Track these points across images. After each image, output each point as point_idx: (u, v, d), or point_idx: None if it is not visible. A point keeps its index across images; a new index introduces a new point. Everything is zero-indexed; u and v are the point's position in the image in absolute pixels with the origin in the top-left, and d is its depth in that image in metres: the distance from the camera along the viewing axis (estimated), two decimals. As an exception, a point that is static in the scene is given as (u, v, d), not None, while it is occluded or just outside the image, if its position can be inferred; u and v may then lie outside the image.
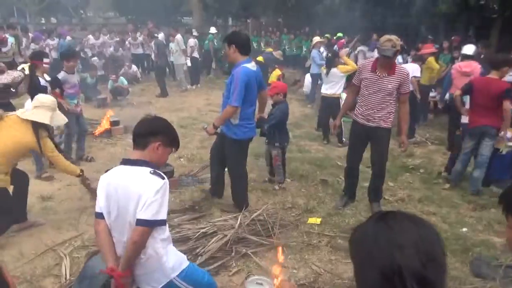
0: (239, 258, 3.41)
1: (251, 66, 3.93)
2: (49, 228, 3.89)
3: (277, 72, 11.97)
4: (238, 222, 3.73)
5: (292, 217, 4.20)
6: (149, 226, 1.99)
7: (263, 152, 5.37)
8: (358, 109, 4.19)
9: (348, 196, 4.55)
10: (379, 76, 3.96)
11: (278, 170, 5.00)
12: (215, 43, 14.81)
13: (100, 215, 2.11)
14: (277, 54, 11.32)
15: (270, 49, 11.40)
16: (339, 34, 12.89)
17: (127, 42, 13.30)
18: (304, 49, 14.68)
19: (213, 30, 15.12)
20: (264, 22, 22.00)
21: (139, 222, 1.97)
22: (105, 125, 7.09)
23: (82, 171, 3.86)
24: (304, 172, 5.50)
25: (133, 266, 2.10)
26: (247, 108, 3.96)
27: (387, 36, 3.89)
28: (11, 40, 10.35)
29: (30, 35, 12.52)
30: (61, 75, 5.40)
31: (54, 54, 11.94)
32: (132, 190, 2.01)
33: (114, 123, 7.21)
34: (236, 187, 4.31)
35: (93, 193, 3.55)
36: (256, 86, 4.00)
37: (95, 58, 11.82)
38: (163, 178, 2.05)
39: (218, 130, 4.21)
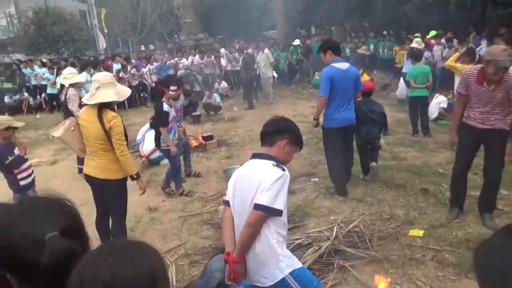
0: (336, 271, 3.32)
1: (340, 65, 4.58)
2: (156, 237, 4.21)
3: (364, 78, 11.62)
4: (334, 234, 3.65)
5: (391, 229, 3.97)
6: (263, 211, 2.05)
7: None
8: (470, 111, 3.84)
9: (458, 207, 4.16)
10: (485, 89, 3.60)
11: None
12: (299, 53, 14.93)
13: (227, 203, 2.31)
14: (362, 50, 11.02)
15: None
16: (433, 32, 12.06)
17: (211, 59, 14.11)
18: (395, 50, 13.97)
19: (297, 42, 15.29)
20: (348, 27, 21.52)
21: (255, 206, 2.07)
22: (199, 140, 7.52)
23: (138, 174, 3.66)
24: (401, 180, 5.18)
25: (248, 257, 2.16)
26: (333, 100, 4.59)
27: (500, 46, 3.53)
28: (116, 67, 11.86)
29: (133, 61, 14.05)
30: (166, 107, 4.96)
31: (154, 78, 13.16)
32: (254, 178, 2.13)
33: (208, 138, 7.62)
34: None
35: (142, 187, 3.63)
36: (346, 83, 4.56)
37: (197, 75, 12.66)
38: (284, 170, 2.13)
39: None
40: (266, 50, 11.62)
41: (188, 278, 3.36)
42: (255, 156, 2.31)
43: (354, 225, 3.81)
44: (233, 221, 2.25)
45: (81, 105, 5.57)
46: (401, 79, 9.82)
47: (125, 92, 3.61)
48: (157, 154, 6.42)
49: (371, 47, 15.19)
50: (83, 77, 6.09)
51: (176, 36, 32.86)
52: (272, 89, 12.08)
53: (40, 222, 0.97)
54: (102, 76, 3.55)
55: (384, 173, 5.50)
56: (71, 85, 5.86)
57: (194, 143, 7.36)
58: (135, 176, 3.55)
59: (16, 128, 4.06)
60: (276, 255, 2.14)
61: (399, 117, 8.74)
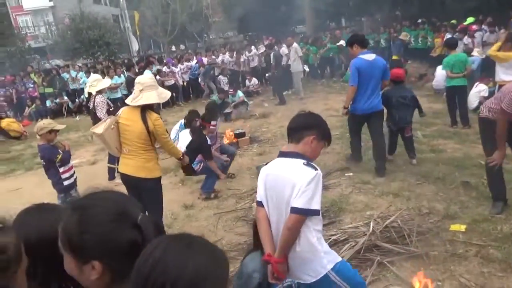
0: (374, 267, 3.25)
1: (367, 57, 4.97)
2: (193, 233, 4.28)
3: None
4: (371, 229, 3.57)
5: (430, 224, 3.84)
6: (302, 214, 2.03)
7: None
8: None
9: (502, 201, 3.97)
10: None
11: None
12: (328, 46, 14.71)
13: (260, 203, 2.27)
14: (403, 36, 10.84)
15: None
16: (470, 19, 11.54)
17: (244, 57, 14.12)
18: (429, 39, 13.46)
19: (341, 43, 14.80)
20: (380, 18, 20.97)
21: (293, 210, 2.04)
22: (228, 138, 7.56)
23: (183, 155, 4.04)
24: (440, 174, 5.00)
25: (290, 256, 2.15)
26: (360, 88, 4.96)
27: None
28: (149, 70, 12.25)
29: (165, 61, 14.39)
30: (209, 141, 5.20)
31: (185, 77, 13.41)
32: (287, 179, 2.10)
33: (240, 135, 7.66)
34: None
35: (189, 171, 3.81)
36: (375, 72, 4.93)
37: (220, 76, 12.75)
38: (316, 169, 2.10)
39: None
40: (295, 44, 11.53)
41: (225, 274, 3.39)
42: (283, 154, 2.25)
43: (391, 220, 3.72)
44: (268, 221, 2.22)
45: (109, 111, 5.73)
46: (437, 69, 9.46)
47: (165, 94, 3.78)
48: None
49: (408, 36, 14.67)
50: (107, 82, 6.10)
51: (206, 35, 33.21)
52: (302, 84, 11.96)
53: (128, 205, 1.04)
54: (145, 79, 3.73)
55: (421, 166, 5.33)
56: (98, 92, 5.83)
57: (225, 140, 7.44)
58: (181, 157, 3.98)
59: (57, 130, 4.25)
60: (317, 252, 2.13)
61: (436, 108, 8.44)
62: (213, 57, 14.09)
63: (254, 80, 13.05)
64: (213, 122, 5.21)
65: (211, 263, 0.90)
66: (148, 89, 3.52)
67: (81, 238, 0.99)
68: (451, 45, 7.42)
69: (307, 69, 12.43)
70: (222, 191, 5.35)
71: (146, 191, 3.66)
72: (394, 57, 11.43)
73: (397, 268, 3.22)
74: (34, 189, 5.94)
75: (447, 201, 4.29)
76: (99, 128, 3.59)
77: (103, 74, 12.03)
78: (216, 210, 4.84)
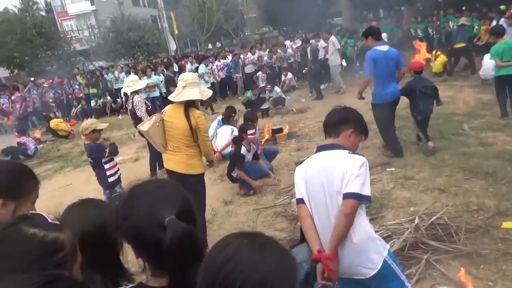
0: (420, 265, 3.14)
1: (382, 48, 5.30)
2: (233, 229, 4.31)
3: (442, 59, 10.86)
4: (415, 226, 3.45)
5: (480, 221, 3.65)
6: (357, 198, 1.99)
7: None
8: None
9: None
10: None
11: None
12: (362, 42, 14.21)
13: (301, 201, 2.21)
14: (463, 20, 10.49)
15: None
16: (503, 7, 10.84)
17: (280, 52, 14.03)
18: (476, 27, 12.76)
19: (384, 35, 14.32)
20: (421, 6, 20.13)
21: (348, 195, 1.98)
22: (266, 134, 7.57)
23: (212, 161, 4.24)
24: (490, 168, 4.73)
25: (344, 250, 2.08)
26: (378, 78, 5.27)
27: None
28: (188, 66, 12.48)
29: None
30: (243, 150, 5.23)
31: (221, 74, 13.54)
32: (335, 169, 2.05)
33: (278, 131, 7.63)
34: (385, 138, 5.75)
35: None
36: (390, 62, 5.26)
37: (260, 72, 12.76)
38: (363, 156, 2.07)
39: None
40: (332, 37, 11.32)
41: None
42: (322, 148, 2.21)
43: (437, 217, 3.57)
44: (311, 217, 2.16)
45: (148, 110, 5.87)
46: (484, 57, 8.96)
47: (207, 92, 3.87)
48: (230, 149, 6.59)
49: (451, 24, 13.97)
50: (143, 83, 6.16)
51: (241, 32, 33.37)
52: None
53: (159, 205, 1.06)
54: (188, 76, 3.85)
55: (469, 160, 5.08)
56: (135, 92, 5.90)
57: (265, 135, 7.46)
58: (212, 160, 4.17)
59: (101, 129, 4.41)
60: (373, 239, 2.10)
61: (484, 99, 8.00)
62: (252, 57, 14.00)
63: (290, 75, 12.95)
64: (249, 131, 5.25)
65: (282, 266, 0.90)
66: (191, 86, 3.60)
67: (120, 228, 1.09)
68: (497, 32, 7.00)
69: (344, 64, 12.15)
70: (260, 187, 5.37)
71: (190, 187, 3.68)
72: (460, 45, 10.78)
73: (444, 267, 3.09)
74: (82, 185, 6.23)
75: (498, 197, 4.05)
76: (145, 125, 3.71)
77: (143, 74, 12.42)
78: (255, 206, 4.86)
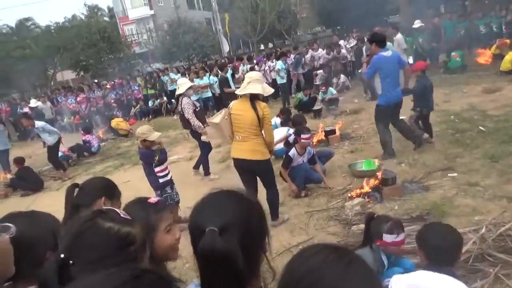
0: (486, 279, 2.91)
1: (386, 53, 5.61)
2: (284, 231, 4.31)
3: (511, 57, 10.15)
4: (481, 237, 3.21)
5: (557, 234, 3.32)
6: None
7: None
8: None
9: None
10: None
11: (412, 127, 6.10)
12: (420, 40, 13.41)
13: None
14: None
15: None
16: None
17: (334, 53, 13.73)
18: None
19: (417, 23, 13.22)
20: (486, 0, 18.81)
21: None
22: (320, 135, 7.46)
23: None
24: None
25: None
26: (384, 80, 5.58)
27: None
28: (242, 68, 12.64)
29: (254, 61, 14.69)
30: (292, 153, 5.22)
31: (273, 75, 13.52)
32: None
33: (330, 132, 7.49)
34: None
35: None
36: (394, 66, 5.61)
37: (321, 71, 12.58)
38: None
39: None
40: (398, 35, 10.81)
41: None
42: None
43: (507, 228, 3.29)
44: None
45: (195, 111, 6.02)
46: None
47: (269, 89, 4.20)
48: (281, 146, 6.57)
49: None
50: (185, 86, 6.16)
51: (293, 32, 33.22)
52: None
53: (210, 213, 1.07)
54: (253, 74, 4.31)
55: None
56: (182, 95, 6.02)
57: (317, 137, 7.35)
58: (272, 150, 4.38)
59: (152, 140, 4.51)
60: None
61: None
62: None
63: (342, 77, 12.62)
64: (303, 136, 5.18)
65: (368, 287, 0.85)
66: (254, 82, 4.03)
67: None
68: None
69: (411, 61, 11.53)
70: (312, 189, 5.29)
71: (260, 173, 4.27)
72: None
73: (515, 283, 2.85)
74: (139, 182, 6.49)
75: None
76: (216, 118, 4.14)
77: (196, 75, 12.76)
78: (307, 208, 4.79)
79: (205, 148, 6.48)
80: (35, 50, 25.21)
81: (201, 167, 6.65)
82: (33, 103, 14.45)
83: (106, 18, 40.29)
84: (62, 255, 1.04)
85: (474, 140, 5.86)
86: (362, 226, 4.00)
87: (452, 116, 7.36)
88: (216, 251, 0.98)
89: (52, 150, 8.43)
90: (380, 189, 4.66)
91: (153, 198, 1.57)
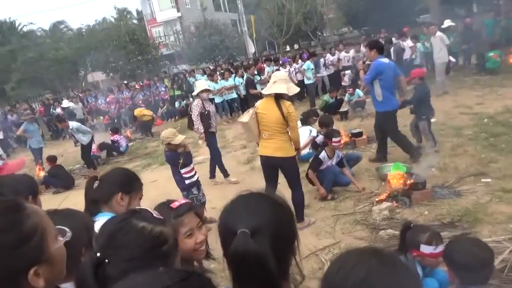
0: (523, 290, 2.79)
1: (384, 60, 5.71)
2: (309, 233, 4.27)
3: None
4: (518, 246, 3.08)
5: None
6: None
7: None
8: None
9: None
10: None
11: (427, 137, 6.02)
12: (450, 39, 12.93)
13: None
14: None
15: None
16: None
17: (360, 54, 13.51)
18: None
19: (447, 23, 12.65)
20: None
21: None
22: (344, 138, 7.33)
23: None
24: None
25: None
26: (385, 86, 5.65)
27: None
28: (268, 69, 12.64)
29: (280, 62, 14.66)
30: (322, 155, 5.20)
31: (299, 76, 13.46)
32: None
33: (357, 135, 7.37)
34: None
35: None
36: (392, 73, 5.69)
37: (348, 71, 12.43)
38: None
39: None
40: (439, 33, 10.47)
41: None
42: None
43: (546, 237, 3.15)
44: None
45: (202, 114, 6.03)
46: None
47: (293, 89, 4.30)
48: (307, 150, 6.52)
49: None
50: (200, 88, 6.29)
51: (319, 33, 32.97)
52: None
53: (241, 215, 1.06)
54: (279, 74, 4.41)
55: None
56: (197, 96, 6.19)
57: (344, 138, 7.24)
58: (299, 149, 4.48)
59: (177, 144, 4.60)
60: None
61: None
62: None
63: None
64: (334, 139, 5.14)
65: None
66: (280, 82, 4.12)
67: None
68: None
69: (453, 60, 11.10)
70: (339, 192, 5.22)
71: (286, 169, 4.32)
72: None
73: (555, 295, 2.71)
74: (166, 182, 6.60)
75: None
76: (245, 118, 4.27)
77: (221, 77, 12.86)
78: (333, 211, 4.73)
79: (214, 152, 6.45)
80: (68, 52, 26.05)
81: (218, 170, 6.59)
82: (65, 103, 14.93)
83: (134, 21, 41.21)
84: (98, 254, 1.06)
85: (509, 144, 5.63)
86: (390, 231, 3.95)
87: (485, 119, 7.12)
88: (248, 253, 0.98)
89: (86, 149, 8.75)
90: (410, 193, 4.54)
91: (176, 203, 1.58)
